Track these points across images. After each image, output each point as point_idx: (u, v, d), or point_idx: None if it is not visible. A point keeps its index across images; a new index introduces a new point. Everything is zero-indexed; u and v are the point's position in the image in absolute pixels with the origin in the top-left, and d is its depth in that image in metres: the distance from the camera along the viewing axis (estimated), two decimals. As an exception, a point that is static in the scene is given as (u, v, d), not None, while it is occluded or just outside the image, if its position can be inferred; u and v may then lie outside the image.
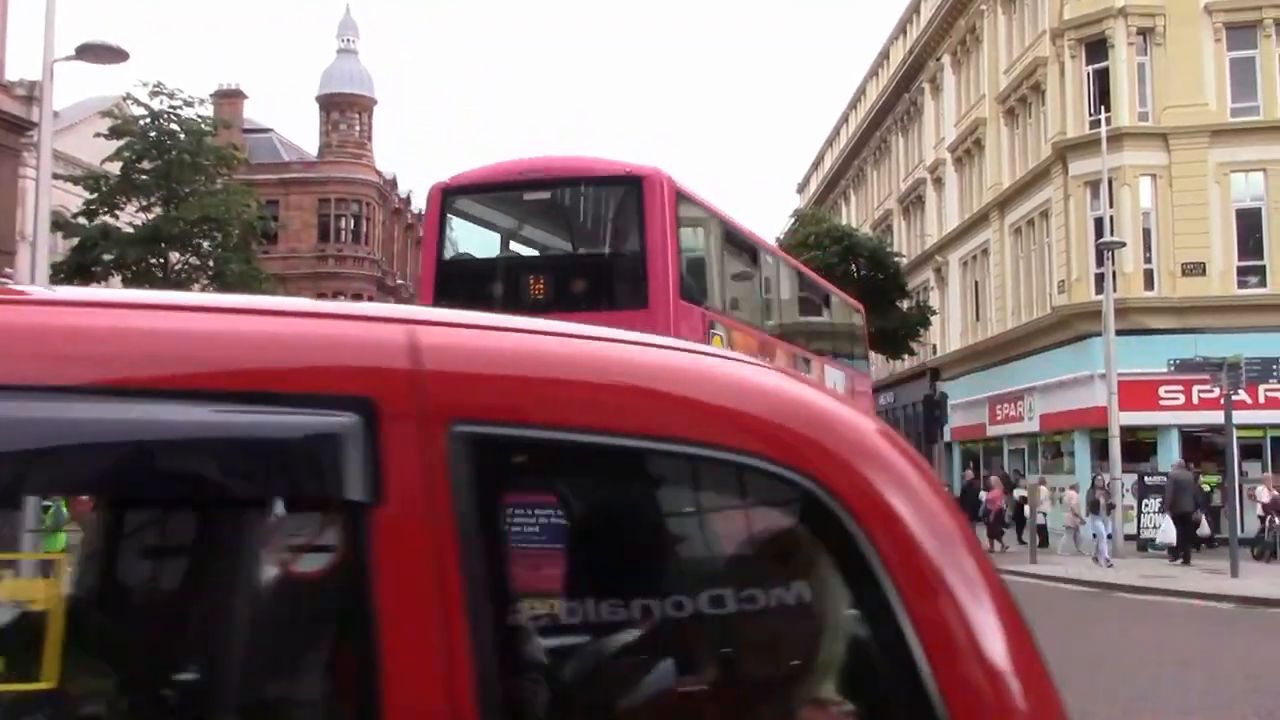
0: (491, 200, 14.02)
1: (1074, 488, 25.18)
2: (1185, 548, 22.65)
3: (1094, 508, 23.12)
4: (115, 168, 26.10)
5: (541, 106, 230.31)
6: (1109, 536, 22.71)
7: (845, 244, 36.88)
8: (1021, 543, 25.49)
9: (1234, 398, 20.81)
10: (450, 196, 13.29)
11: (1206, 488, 26.30)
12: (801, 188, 73.56)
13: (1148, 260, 28.44)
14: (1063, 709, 1.80)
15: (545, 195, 13.78)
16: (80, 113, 36.59)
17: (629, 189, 12.84)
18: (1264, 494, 23.72)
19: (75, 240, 25.89)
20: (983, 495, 28.08)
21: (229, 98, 52.49)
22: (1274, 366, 21.10)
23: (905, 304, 39.45)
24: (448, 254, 13.42)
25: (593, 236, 14.16)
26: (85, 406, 1.48)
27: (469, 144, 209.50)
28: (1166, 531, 22.60)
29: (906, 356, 41.61)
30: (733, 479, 1.84)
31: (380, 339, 1.64)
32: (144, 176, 25.71)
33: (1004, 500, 27.76)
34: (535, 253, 14.65)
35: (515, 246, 14.66)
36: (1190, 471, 24.37)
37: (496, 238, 14.36)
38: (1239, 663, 12.00)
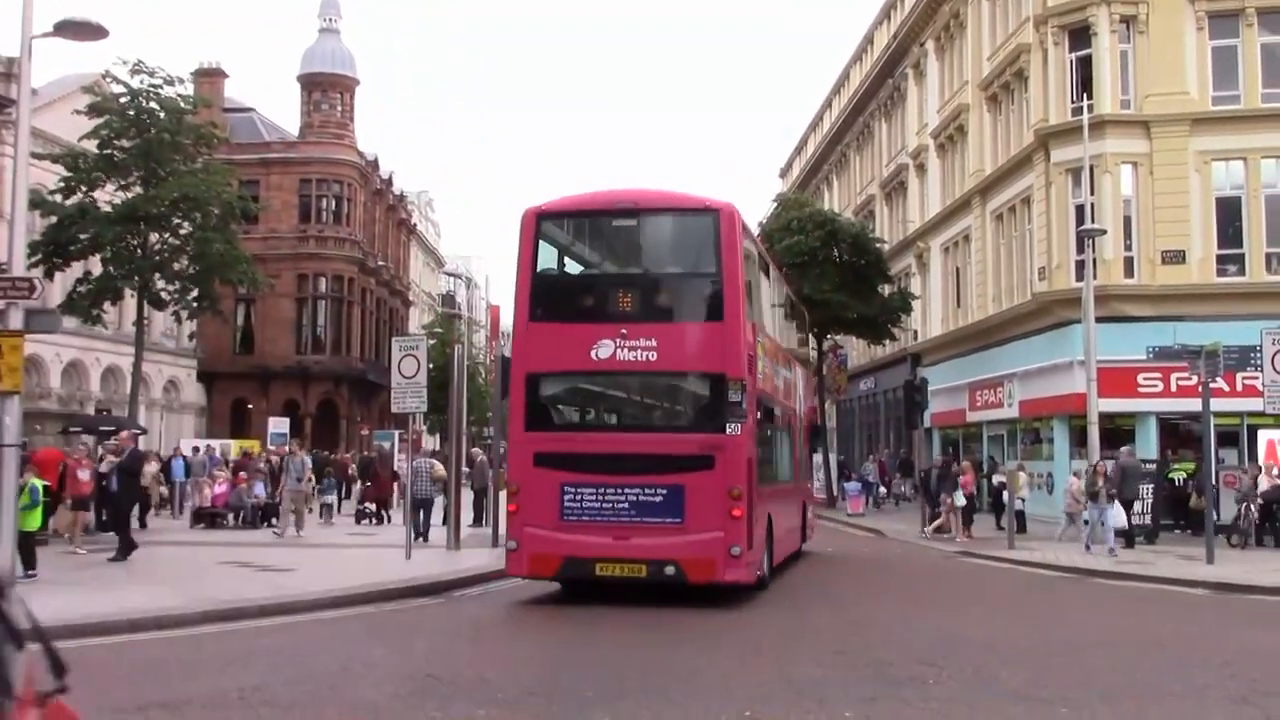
0: (580, 224, 16.46)
1: (1076, 474, 25.27)
2: (1130, 532, 23.49)
3: (1095, 495, 22.54)
4: (94, 145, 25.89)
5: (524, 84, 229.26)
6: (1107, 524, 22.11)
7: (828, 229, 36.97)
8: (1000, 528, 25.61)
9: (1211, 385, 20.93)
10: (543, 220, 15.39)
11: (1181, 475, 26.57)
12: (784, 172, 73.56)
13: (1128, 248, 28.55)
14: None
15: (632, 222, 16.07)
16: (59, 90, 36.26)
17: (707, 219, 15.09)
18: (1264, 483, 23.85)
19: (53, 219, 25.68)
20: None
21: (209, 76, 52.23)
22: (1252, 354, 21.18)
23: (887, 289, 39.57)
24: (540, 269, 15.41)
25: (671, 258, 16.45)
26: None
27: (451, 125, 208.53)
28: (1117, 516, 22.82)
29: (887, 342, 41.74)
30: None
31: None
32: (123, 155, 25.50)
33: (974, 485, 27.78)
34: (620, 270, 16.75)
35: (601, 264, 17.00)
36: (1137, 459, 24.96)
37: (583, 256, 16.83)
38: (1214, 648, 12.10)
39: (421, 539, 22.36)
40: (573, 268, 16.78)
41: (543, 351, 15.18)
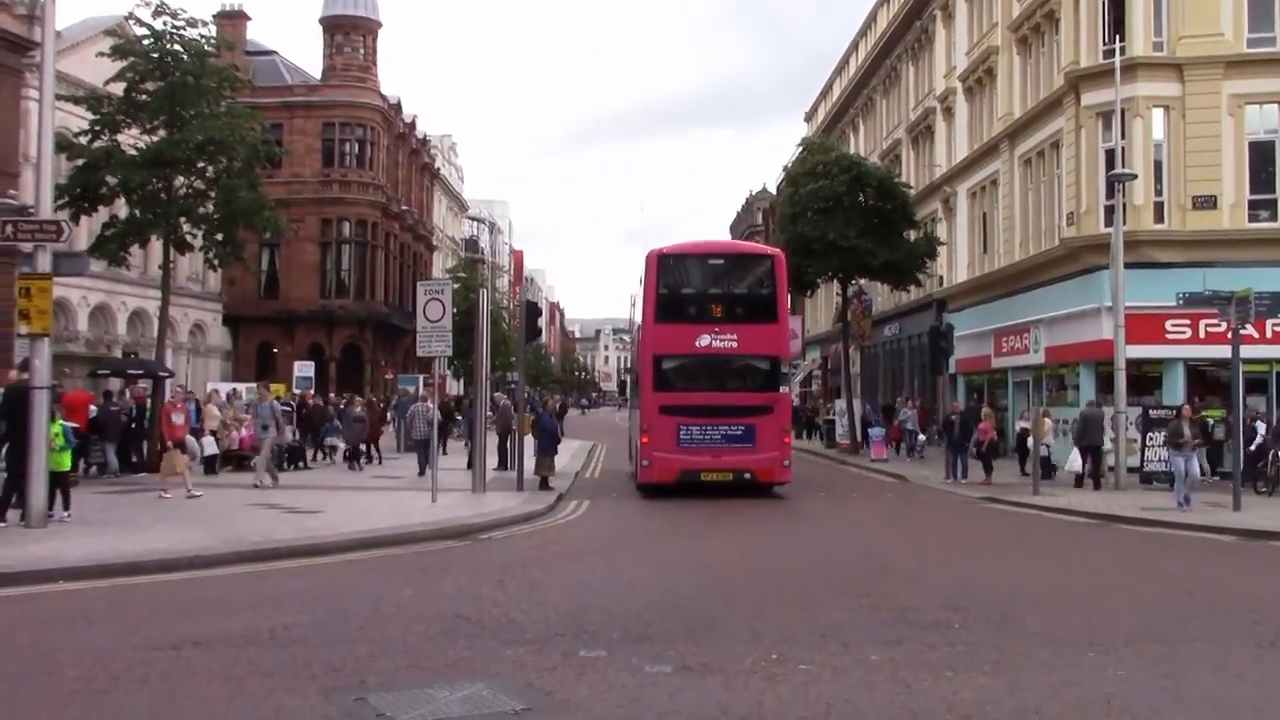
0: (685, 261, 24.68)
1: (1047, 414, 25.81)
2: (1095, 476, 24.47)
3: (1180, 444, 20.51)
4: (118, 89, 25.79)
5: (547, 26, 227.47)
6: (1193, 474, 20.51)
7: (853, 173, 36.57)
8: (1024, 474, 25.57)
9: (1241, 332, 20.74)
10: (662, 258, 23.85)
11: (1210, 421, 26.42)
12: (810, 116, 72.85)
13: (1158, 193, 28.22)
14: None
15: (721, 261, 25.12)
16: (82, 32, 36.21)
17: (767, 261, 24.38)
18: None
19: (78, 162, 25.66)
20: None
21: (231, 19, 51.93)
22: (1283, 301, 21.00)
23: (912, 235, 39.22)
24: (663, 291, 23.67)
25: (744, 283, 24.60)
26: None
27: (475, 69, 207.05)
28: (1074, 461, 24.78)
29: (913, 288, 41.46)
30: None
31: None
32: (147, 98, 25.40)
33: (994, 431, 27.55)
34: (714, 290, 24.25)
35: (700, 286, 24.44)
36: (1100, 409, 25.52)
37: (686, 280, 24.50)
38: (1240, 594, 12.09)
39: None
40: (686, 289, 24.44)
41: (664, 341, 23.48)
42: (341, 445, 29.02)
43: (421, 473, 25.06)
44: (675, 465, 22.57)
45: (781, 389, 23.75)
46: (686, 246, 25.28)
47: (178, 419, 21.07)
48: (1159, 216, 28.18)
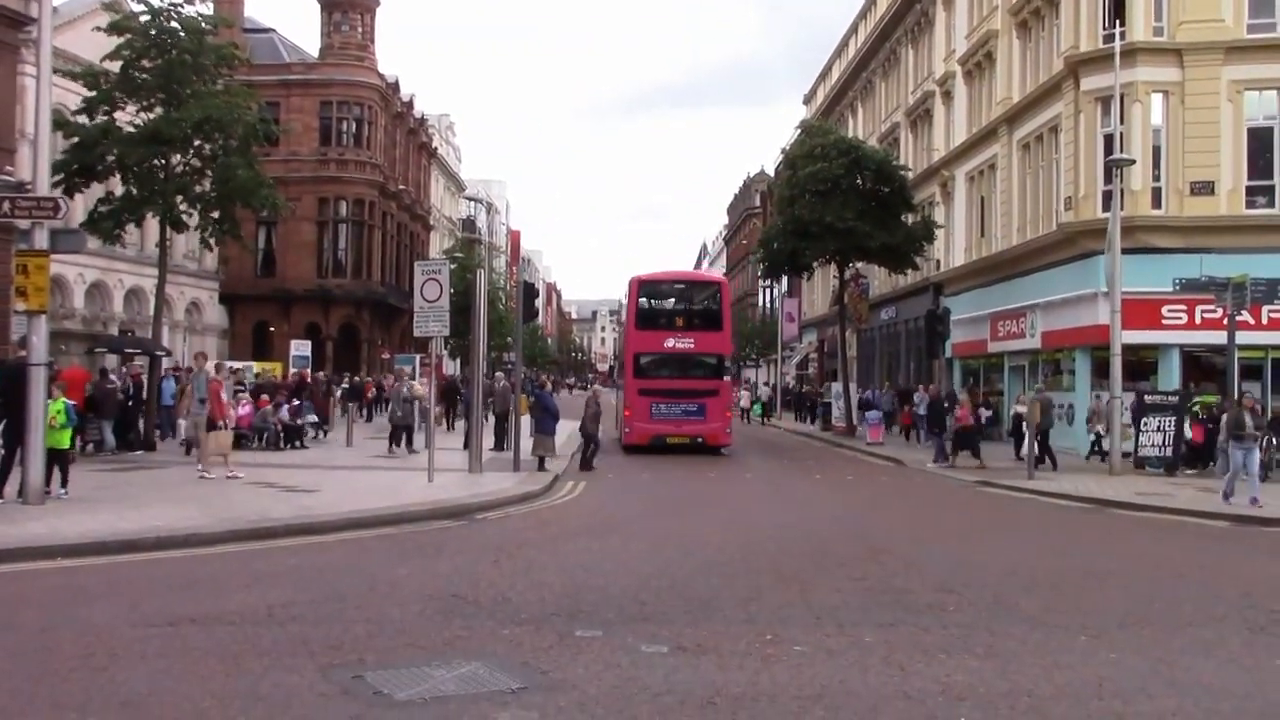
0: (660, 285, 34.32)
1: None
2: (1045, 459, 25.10)
3: (1241, 435, 19.15)
4: (115, 65, 25.70)
5: (544, 5, 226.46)
6: (1251, 469, 19.14)
7: (851, 156, 36.54)
8: (1019, 459, 25.64)
9: (1237, 318, 20.79)
10: (644, 283, 32.95)
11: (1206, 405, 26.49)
12: (808, 99, 72.68)
13: (1156, 179, 28.23)
14: None
15: (682, 286, 35.14)
16: (79, 7, 35.99)
17: (716, 285, 34.50)
18: None
19: (75, 139, 25.58)
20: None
21: (229, -4, 51.62)
22: (1279, 287, 21.04)
23: (910, 218, 39.20)
24: (642, 306, 32.41)
25: (699, 301, 33.02)
26: None
27: (473, 49, 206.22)
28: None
29: (910, 271, 41.47)
30: None
31: None
32: (144, 75, 25.30)
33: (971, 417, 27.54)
34: (678, 306, 33.15)
35: (669, 304, 33.41)
36: (1048, 396, 27.35)
37: (662, 298, 33.72)
38: (1232, 579, 12.16)
39: (404, 449, 26.87)
40: (658, 306, 33.32)
41: (642, 343, 31.67)
42: (314, 420, 29.44)
43: (390, 450, 26.57)
44: (650, 432, 30.66)
45: (725, 378, 32.44)
46: (658, 275, 35.75)
47: (226, 397, 21.08)
48: (1156, 202, 28.19)
